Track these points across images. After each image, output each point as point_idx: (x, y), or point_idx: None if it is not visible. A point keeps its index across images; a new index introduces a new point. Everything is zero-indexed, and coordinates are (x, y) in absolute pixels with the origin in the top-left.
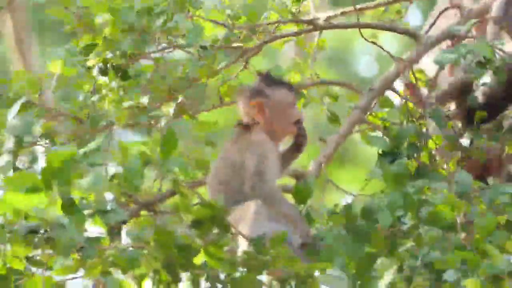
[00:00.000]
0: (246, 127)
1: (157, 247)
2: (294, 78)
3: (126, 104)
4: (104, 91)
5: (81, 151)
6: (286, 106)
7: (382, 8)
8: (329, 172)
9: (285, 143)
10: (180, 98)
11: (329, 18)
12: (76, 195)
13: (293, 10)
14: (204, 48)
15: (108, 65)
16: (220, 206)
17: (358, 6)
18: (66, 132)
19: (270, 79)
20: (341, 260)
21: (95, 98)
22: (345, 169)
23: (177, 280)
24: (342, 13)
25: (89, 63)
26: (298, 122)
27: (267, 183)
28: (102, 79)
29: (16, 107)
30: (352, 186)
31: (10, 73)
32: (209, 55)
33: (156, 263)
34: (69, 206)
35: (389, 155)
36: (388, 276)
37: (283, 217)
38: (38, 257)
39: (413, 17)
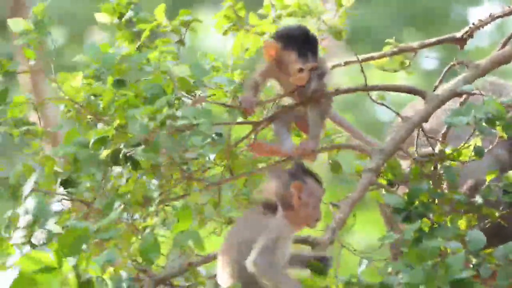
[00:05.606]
0: (268, 207)
1: None
2: None
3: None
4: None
5: (94, 227)
6: (316, 199)
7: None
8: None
9: None
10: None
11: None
12: (92, 273)
13: None
14: (219, 135)
15: (120, 155)
16: None
17: (361, 57)
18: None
19: (305, 169)
20: None
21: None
22: (366, 212)
23: None
24: (346, 63)
25: (102, 156)
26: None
27: (274, 265)
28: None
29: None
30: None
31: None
32: (223, 141)
33: None
34: (86, 285)
35: (402, 211)
36: None
37: None
38: None
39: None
